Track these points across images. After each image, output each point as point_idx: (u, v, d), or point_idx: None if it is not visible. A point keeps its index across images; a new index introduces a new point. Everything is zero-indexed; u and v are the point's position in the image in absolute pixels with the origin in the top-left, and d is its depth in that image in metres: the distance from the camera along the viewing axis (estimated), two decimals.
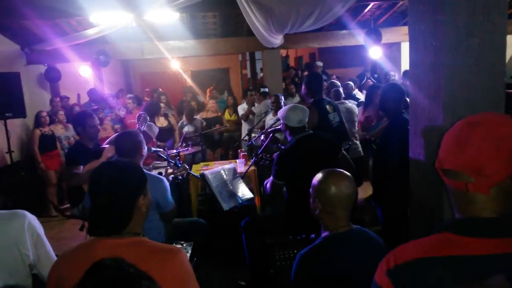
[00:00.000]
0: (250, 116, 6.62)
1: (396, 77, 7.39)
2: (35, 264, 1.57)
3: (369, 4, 6.72)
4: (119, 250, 1.33)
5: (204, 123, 6.61)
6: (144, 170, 2.79)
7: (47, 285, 1.44)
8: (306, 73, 8.71)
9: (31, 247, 1.54)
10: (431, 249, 0.98)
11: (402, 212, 3.01)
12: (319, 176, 1.88)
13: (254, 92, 6.88)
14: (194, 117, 6.62)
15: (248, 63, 12.37)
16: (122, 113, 6.82)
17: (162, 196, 2.71)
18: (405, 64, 8.13)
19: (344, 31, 7.75)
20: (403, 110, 3.29)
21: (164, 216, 2.80)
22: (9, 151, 5.40)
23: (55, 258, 1.60)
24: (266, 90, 6.57)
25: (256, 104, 6.66)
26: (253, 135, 5.11)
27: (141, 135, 2.91)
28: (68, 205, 5.16)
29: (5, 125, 5.31)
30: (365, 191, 5.29)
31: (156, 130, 5.06)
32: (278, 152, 3.25)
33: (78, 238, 1.48)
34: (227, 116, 7.36)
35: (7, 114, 5.26)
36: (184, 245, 2.49)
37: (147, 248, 1.41)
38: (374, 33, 7.36)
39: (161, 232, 2.80)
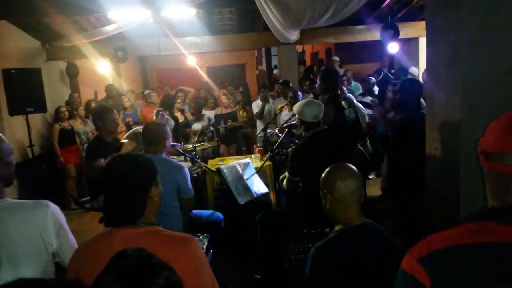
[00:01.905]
0: (264, 113, 6.56)
1: (416, 72, 7.32)
2: (57, 253, 1.62)
3: None
4: (135, 240, 1.37)
5: (212, 120, 6.64)
6: (166, 157, 2.90)
7: (67, 273, 1.49)
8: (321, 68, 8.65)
9: (54, 236, 1.59)
10: (467, 237, 0.96)
11: (418, 207, 2.99)
12: (326, 170, 1.92)
13: (267, 88, 6.84)
14: (203, 113, 6.66)
15: (264, 59, 12.37)
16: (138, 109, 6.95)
17: (183, 181, 2.87)
18: (423, 60, 8.01)
19: (361, 26, 7.66)
20: (421, 106, 3.27)
21: (183, 203, 2.89)
22: (30, 145, 5.54)
23: (76, 246, 1.66)
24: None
25: (271, 101, 6.65)
26: (268, 130, 5.12)
27: (167, 127, 3.06)
28: (88, 198, 5.28)
29: (27, 119, 5.45)
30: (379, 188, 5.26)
31: (172, 124, 5.13)
32: (293, 148, 3.26)
33: (98, 230, 1.52)
34: (240, 112, 7.34)
35: (28, 109, 5.39)
36: (201, 237, 2.52)
37: (162, 237, 1.45)
38: (392, 28, 7.27)
39: (179, 222, 2.87)
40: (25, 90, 5.31)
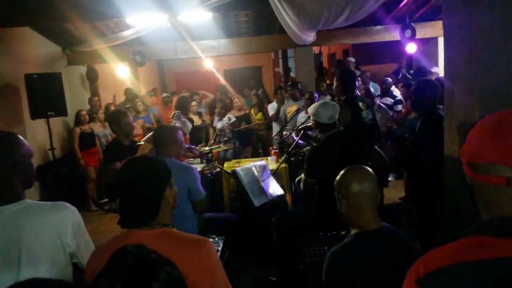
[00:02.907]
0: (280, 115, 6.53)
1: (438, 73, 7.20)
2: (75, 254, 1.64)
3: None
4: (150, 241, 1.38)
5: (233, 119, 6.67)
6: (175, 160, 2.91)
7: (85, 274, 1.51)
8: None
9: (72, 237, 1.61)
10: (461, 254, 0.92)
11: (437, 211, 2.94)
12: (340, 173, 1.88)
13: (284, 90, 6.82)
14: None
15: (280, 61, 12.35)
16: (155, 113, 7.05)
17: (192, 183, 2.82)
18: (442, 60, 7.87)
19: (378, 27, 7.58)
20: (439, 106, 3.21)
21: (195, 205, 2.88)
22: (51, 148, 5.66)
23: (93, 248, 1.68)
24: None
25: (286, 102, 6.64)
26: (284, 132, 5.12)
27: (179, 130, 3.03)
28: (107, 200, 5.37)
29: (48, 123, 5.57)
30: (400, 191, 5.18)
31: (189, 126, 5.17)
32: (309, 150, 3.26)
33: (117, 232, 1.54)
34: (253, 114, 7.35)
35: (49, 113, 5.51)
36: (216, 239, 2.53)
37: (176, 238, 1.46)
38: (410, 28, 7.17)
39: (194, 224, 2.88)
40: (46, 94, 5.44)
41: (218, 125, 6.51)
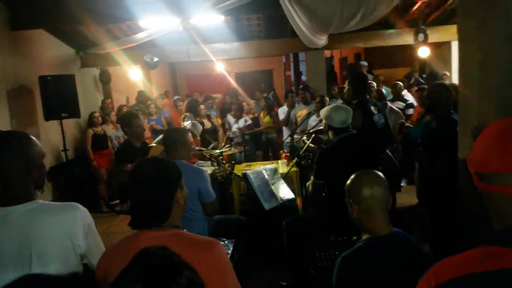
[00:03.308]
0: (291, 117, 6.51)
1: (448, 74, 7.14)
2: (85, 254, 1.65)
3: (417, 2, 6.50)
4: (160, 242, 1.37)
5: (249, 122, 6.67)
6: (186, 162, 2.92)
7: (95, 275, 1.52)
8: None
9: (82, 238, 1.62)
10: (473, 265, 0.89)
11: (450, 217, 2.89)
12: (351, 178, 1.87)
13: (294, 94, 6.81)
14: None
15: (291, 64, 12.36)
16: (166, 116, 7.09)
17: (203, 185, 2.84)
18: (455, 64, 7.79)
19: (391, 31, 7.53)
20: (452, 111, 3.17)
21: (206, 207, 2.88)
22: (64, 150, 5.72)
23: (104, 249, 1.69)
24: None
25: (296, 105, 6.62)
26: (295, 136, 5.10)
27: (188, 132, 3.05)
28: (118, 201, 5.41)
29: (61, 124, 5.64)
30: (412, 196, 5.11)
31: (200, 128, 5.18)
32: (319, 151, 3.23)
33: (127, 233, 1.55)
34: (262, 117, 7.34)
35: (63, 114, 5.58)
36: (226, 242, 2.52)
37: (186, 240, 1.46)
38: (422, 32, 7.10)
39: (205, 226, 2.88)
40: (60, 96, 5.50)
41: (234, 127, 6.52)
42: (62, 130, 5.66)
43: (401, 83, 6.80)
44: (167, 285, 0.90)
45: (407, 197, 5.21)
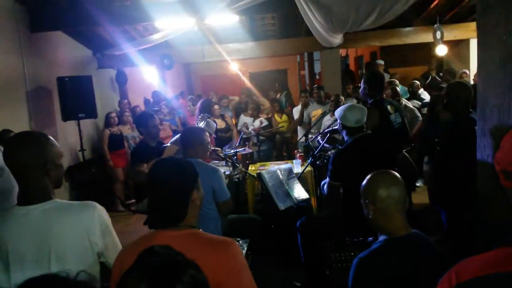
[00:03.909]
0: (304, 118, 6.46)
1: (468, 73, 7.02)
2: (102, 253, 1.67)
3: (435, 0, 6.40)
4: (176, 242, 1.38)
5: (265, 123, 6.67)
6: (202, 161, 2.94)
7: (112, 273, 1.54)
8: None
9: (100, 236, 1.64)
10: (495, 265, 0.89)
11: (467, 217, 2.83)
12: (366, 178, 1.84)
13: (308, 93, 6.77)
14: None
15: (306, 64, 12.30)
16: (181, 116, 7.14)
17: (218, 184, 2.85)
18: (474, 62, 7.64)
19: (407, 29, 7.43)
20: (471, 110, 3.11)
21: (220, 206, 2.89)
22: (82, 150, 5.82)
23: (120, 247, 1.71)
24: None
25: (310, 104, 6.58)
26: (310, 136, 5.07)
27: (205, 132, 3.09)
28: (134, 200, 5.46)
29: (78, 125, 5.74)
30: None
31: (214, 126, 5.20)
32: (334, 152, 3.20)
33: (143, 232, 1.57)
34: (277, 118, 7.32)
35: (80, 115, 5.67)
36: (240, 242, 2.53)
37: (203, 240, 1.47)
38: (440, 30, 6.99)
39: (218, 226, 2.89)
40: (77, 97, 5.59)
41: (251, 128, 6.52)
42: (80, 131, 5.75)
43: (417, 82, 6.71)
44: (171, 284, 0.91)
45: (423, 197, 5.13)
